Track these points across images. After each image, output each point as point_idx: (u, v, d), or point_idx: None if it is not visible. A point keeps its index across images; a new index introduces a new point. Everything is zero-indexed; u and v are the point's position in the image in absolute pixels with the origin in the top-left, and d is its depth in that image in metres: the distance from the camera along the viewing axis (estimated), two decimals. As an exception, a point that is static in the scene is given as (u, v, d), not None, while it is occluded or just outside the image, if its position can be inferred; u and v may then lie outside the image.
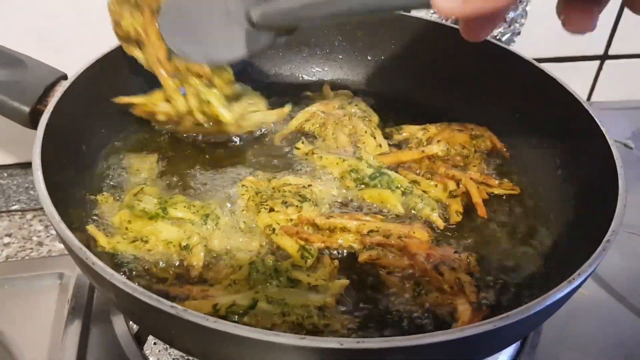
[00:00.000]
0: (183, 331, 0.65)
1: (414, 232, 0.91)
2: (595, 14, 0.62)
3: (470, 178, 1.04)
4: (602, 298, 1.09)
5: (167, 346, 0.93)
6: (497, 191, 1.04)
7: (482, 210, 1.00)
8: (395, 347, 0.60)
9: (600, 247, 0.74)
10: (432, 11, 1.37)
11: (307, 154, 1.08)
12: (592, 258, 0.73)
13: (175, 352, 0.92)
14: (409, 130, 1.16)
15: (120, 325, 0.95)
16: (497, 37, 1.41)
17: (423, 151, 1.08)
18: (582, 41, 1.57)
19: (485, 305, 0.84)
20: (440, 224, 0.97)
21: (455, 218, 0.98)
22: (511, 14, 1.40)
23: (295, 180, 1.01)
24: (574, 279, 0.70)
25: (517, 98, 1.14)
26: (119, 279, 0.65)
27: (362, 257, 0.89)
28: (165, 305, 0.62)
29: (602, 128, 0.94)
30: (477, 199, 1.01)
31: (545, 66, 1.10)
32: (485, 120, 1.17)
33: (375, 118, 1.18)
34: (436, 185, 1.02)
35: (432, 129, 1.15)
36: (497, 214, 1.01)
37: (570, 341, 1.00)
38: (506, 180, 1.06)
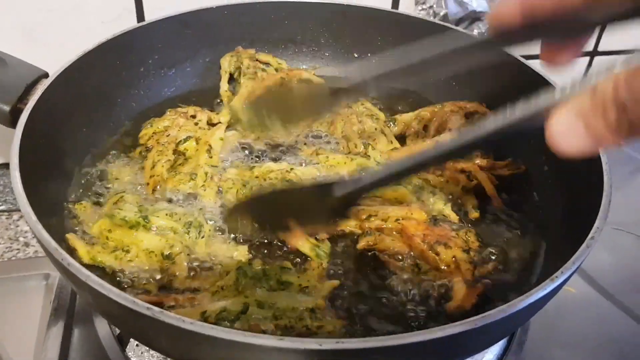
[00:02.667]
0: (160, 333, 0.64)
1: (412, 213, 0.91)
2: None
3: (479, 167, 1.02)
4: (590, 295, 1.08)
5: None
6: (504, 173, 1.04)
7: (497, 202, 1.00)
8: (375, 347, 0.60)
9: (584, 245, 0.74)
10: (419, 8, 1.37)
11: (311, 154, 1.07)
12: (575, 255, 0.72)
13: (158, 354, 0.91)
14: (403, 121, 1.16)
15: (103, 327, 0.94)
16: (485, 34, 1.40)
17: (437, 141, 1.06)
18: (572, 37, 1.56)
19: (481, 283, 0.85)
20: (454, 217, 0.96)
21: (474, 214, 0.98)
22: (500, 10, 1.39)
23: (277, 166, 1.01)
24: (556, 276, 0.69)
25: (503, 94, 1.12)
26: (94, 281, 0.64)
27: (361, 244, 0.90)
28: (140, 307, 0.61)
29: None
30: (491, 191, 1.00)
31: (534, 63, 1.09)
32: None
33: (381, 116, 1.18)
34: (447, 182, 1.01)
35: (425, 114, 1.14)
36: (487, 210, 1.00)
37: (557, 338, 1.00)
38: (509, 159, 1.05)
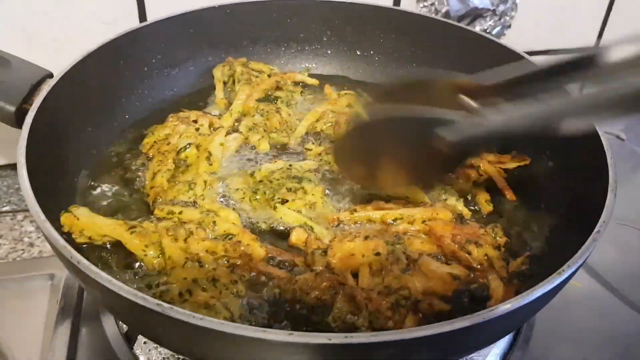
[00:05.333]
0: (169, 329, 0.64)
1: (437, 214, 0.91)
2: None
3: (487, 161, 1.04)
4: (595, 290, 1.08)
5: (157, 345, 0.92)
6: (510, 166, 1.05)
7: (510, 194, 1.01)
8: (383, 341, 0.60)
9: (590, 239, 0.74)
10: (421, 5, 1.37)
11: (319, 154, 1.07)
12: (581, 250, 0.73)
13: (166, 351, 0.91)
14: None
15: (110, 325, 0.95)
16: (488, 31, 1.41)
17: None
18: (574, 33, 1.57)
19: (517, 279, 0.85)
20: (467, 213, 0.97)
21: (487, 208, 0.99)
22: (501, 7, 1.40)
23: (275, 165, 1.01)
24: (563, 270, 0.69)
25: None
26: (104, 277, 0.64)
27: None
28: (150, 303, 0.61)
29: (591, 119, 0.93)
30: (502, 183, 1.02)
31: (536, 59, 1.10)
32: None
33: None
34: (458, 178, 1.02)
35: None
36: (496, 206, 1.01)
37: (563, 333, 1.00)
38: (514, 152, 1.06)
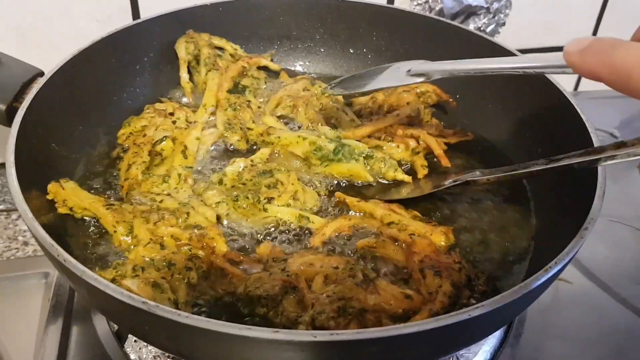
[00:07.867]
0: (156, 327, 0.65)
1: (431, 234, 0.90)
2: None
3: (428, 133, 1.09)
4: (586, 287, 1.08)
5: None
6: (452, 140, 1.11)
7: (445, 161, 1.08)
8: (369, 338, 0.60)
9: (577, 235, 0.74)
10: (415, 3, 1.37)
11: (261, 134, 1.07)
12: (569, 246, 0.72)
13: (156, 349, 0.91)
14: (358, 102, 1.20)
15: (101, 323, 0.95)
16: (482, 29, 1.41)
17: (398, 114, 1.13)
18: (568, 31, 1.56)
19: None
20: (407, 178, 1.02)
21: (423, 172, 1.05)
22: (495, 5, 1.40)
23: (236, 166, 1.00)
24: (550, 267, 0.69)
25: (499, 88, 1.13)
26: (90, 276, 0.64)
27: (361, 243, 0.90)
28: (136, 301, 0.61)
29: (582, 116, 0.93)
30: (438, 151, 1.08)
31: (529, 56, 1.10)
32: (466, 111, 1.18)
33: (340, 97, 1.19)
34: (398, 146, 1.08)
35: (380, 96, 1.19)
36: (483, 203, 1.01)
37: (554, 330, 1.00)
38: (458, 128, 1.15)
